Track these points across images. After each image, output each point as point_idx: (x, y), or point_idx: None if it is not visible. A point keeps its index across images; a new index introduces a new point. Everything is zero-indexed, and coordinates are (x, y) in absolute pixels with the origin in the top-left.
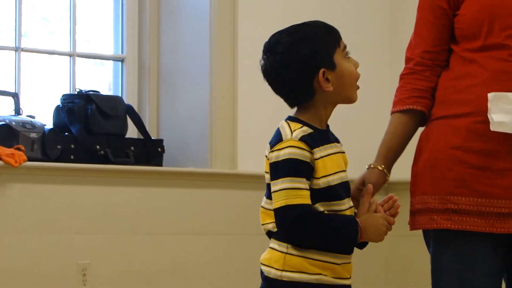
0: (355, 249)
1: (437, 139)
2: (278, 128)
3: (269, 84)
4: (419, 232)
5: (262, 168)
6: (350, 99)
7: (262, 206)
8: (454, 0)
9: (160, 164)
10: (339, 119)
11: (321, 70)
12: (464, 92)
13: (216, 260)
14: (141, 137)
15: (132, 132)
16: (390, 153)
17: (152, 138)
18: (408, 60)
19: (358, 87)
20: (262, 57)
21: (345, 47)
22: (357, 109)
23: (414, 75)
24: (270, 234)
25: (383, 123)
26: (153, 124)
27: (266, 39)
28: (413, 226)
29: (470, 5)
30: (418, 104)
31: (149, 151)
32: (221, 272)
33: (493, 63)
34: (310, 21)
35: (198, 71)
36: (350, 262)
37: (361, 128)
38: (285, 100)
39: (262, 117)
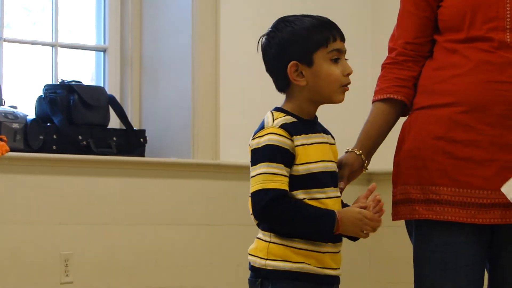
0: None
1: (419, 129)
2: (264, 118)
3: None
4: (402, 223)
5: (244, 158)
6: (330, 99)
7: (250, 196)
8: None
9: (142, 155)
10: (321, 109)
11: (291, 63)
12: (447, 82)
13: (198, 250)
14: (123, 127)
15: (114, 122)
16: (369, 141)
17: (134, 128)
18: (390, 50)
19: (344, 90)
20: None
21: (337, 50)
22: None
23: (396, 65)
24: (259, 224)
25: (364, 115)
26: (135, 114)
27: (249, 30)
28: (395, 216)
29: None
30: (399, 94)
31: (131, 142)
32: (203, 263)
33: (476, 53)
34: (313, 15)
35: (180, 62)
36: (337, 252)
37: (342, 119)
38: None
39: (245, 108)
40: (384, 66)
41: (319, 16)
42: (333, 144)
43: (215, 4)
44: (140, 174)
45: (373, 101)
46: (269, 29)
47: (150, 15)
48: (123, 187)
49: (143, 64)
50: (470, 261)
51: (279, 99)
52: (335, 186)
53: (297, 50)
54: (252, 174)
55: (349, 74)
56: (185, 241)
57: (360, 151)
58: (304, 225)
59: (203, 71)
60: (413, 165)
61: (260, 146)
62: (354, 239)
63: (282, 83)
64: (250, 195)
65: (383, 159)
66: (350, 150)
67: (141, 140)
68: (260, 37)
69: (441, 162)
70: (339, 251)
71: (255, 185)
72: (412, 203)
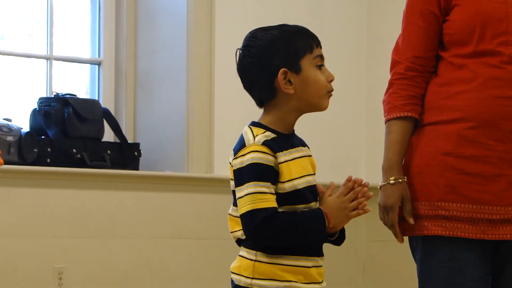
0: (332, 253)
1: (427, 145)
2: (242, 134)
3: (240, 78)
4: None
5: None
6: (317, 106)
7: (229, 214)
8: (445, 6)
9: (136, 168)
10: (315, 122)
11: (281, 70)
12: (454, 98)
13: (192, 264)
14: (118, 140)
15: (108, 135)
16: (402, 161)
17: (129, 141)
18: (395, 63)
19: (329, 96)
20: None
21: (320, 56)
22: (332, 114)
23: (405, 80)
24: (239, 242)
25: (358, 128)
26: (129, 127)
27: None
28: (403, 232)
29: (461, 11)
30: (414, 112)
31: (126, 155)
32: (198, 276)
33: (485, 69)
34: (291, 24)
35: (175, 75)
36: (321, 266)
37: (337, 132)
38: (252, 98)
39: (239, 122)
40: (393, 82)
41: (294, 24)
42: (310, 156)
43: (210, 18)
44: (134, 187)
45: (391, 119)
46: (245, 40)
47: (145, 28)
48: (117, 201)
49: (138, 77)
50: (476, 276)
51: None
52: (316, 200)
53: (284, 57)
54: (239, 194)
55: (332, 80)
56: (179, 254)
57: (405, 177)
58: (299, 232)
59: (197, 85)
60: (421, 181)
61: (244, 165)
62: (338, 242)
63: (267, 95)
64: (239, 216)
65: None
66: (400, 180)
67: (136, 153)
68: (237, 50)
69: (449, 178)
70: (322, 265)
71: (244, 206)
72: (420, 219)
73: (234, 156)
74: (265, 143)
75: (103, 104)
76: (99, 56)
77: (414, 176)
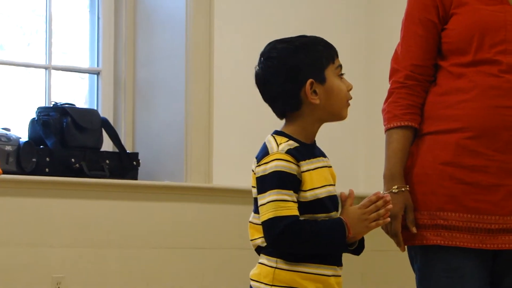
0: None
1: (426, 155)
2: (265, 143)
3: (259, 91)
4: (394, 247)
5: (237, 182)
6: (339, 116)
7: (250, 221)
8: (444, 14)
9: (135, 178)
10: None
11: (309, 81)
12: (453, 108)
13: (190, 274)
14: (117, 150)
15: (107, 145)
16: (403, 170)
17: (128, 151)
18: (394, 71)
19: (348, 105)
20: (257, 63)
21: (340, 66)
22: (330, 124)
23: (405, 89)
24: (259, 249)
25: (357, 138)
26: (128, 137)
27: (242, 53)
28: (403, 241)
29: (459, 20)
30: (414, 121)
31: (124, 165)
32: (195, 286)
33: (483, 78)
34: (309, 35)
35: (173, 85)
36: (340, 276)
37: (335, 142)
38: (273, 110)
39: (238, 131)
40: (392, 91)
41: (312, 35)
42: (331, 166)
43: (208, 28)
44: (133, 197)
45: (391, 128)
46: (266, 52)
47: (144, 38)
48: (116, 210)
49: (137, 87)
50: (475, 285)
51: (273, 122)
52: (337, 210)
53: (310, 68)
54: (261, 202)
55: (350, 89)
56: (178, 264)
57: (408, 186)
58: (320, 240)
59: (196, 94)
60: (420, 191)
61: (267, 173)
62: (358, 252)
63: (292, 106)
64: (261, 223)
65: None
66: (403, 189)
67: (134, 163)
68: (259, 62)
69: (449, 188)
70: (341, 275)
71: (266, 213)
72: (419, 229)
73: (257, 163)
74: (288, 152)
75: (102, 113)
76: (98, 65)
77: (414, 186)
